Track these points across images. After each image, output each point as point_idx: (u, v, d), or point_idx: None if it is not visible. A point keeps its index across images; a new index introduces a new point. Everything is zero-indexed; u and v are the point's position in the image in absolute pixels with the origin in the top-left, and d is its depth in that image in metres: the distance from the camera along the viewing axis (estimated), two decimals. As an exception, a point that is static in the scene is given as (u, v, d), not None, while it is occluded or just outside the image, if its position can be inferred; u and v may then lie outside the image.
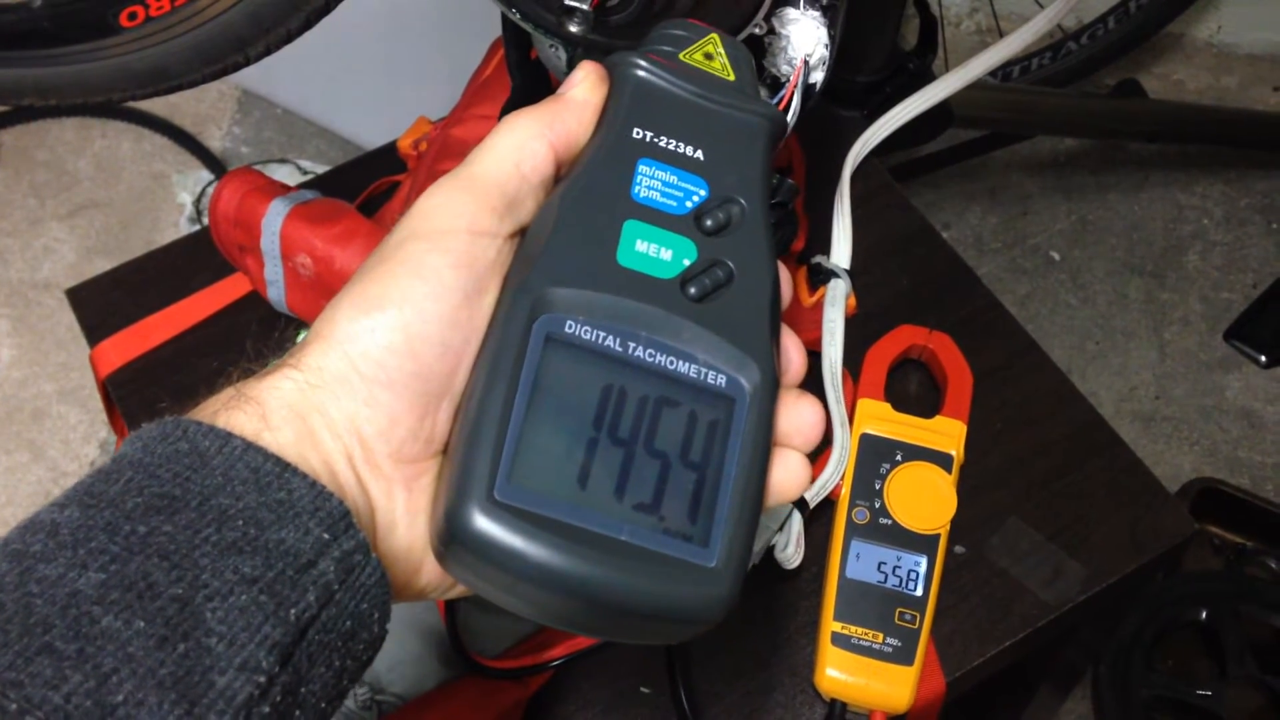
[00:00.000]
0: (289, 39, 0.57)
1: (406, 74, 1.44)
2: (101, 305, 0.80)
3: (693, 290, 0.38)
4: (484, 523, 0.33)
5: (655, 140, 0.40)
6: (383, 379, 0.36)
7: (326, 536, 0.33)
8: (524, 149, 0.39)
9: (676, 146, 0.40)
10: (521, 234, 0.39)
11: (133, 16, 0.58)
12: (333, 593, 0.33)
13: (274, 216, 0.66)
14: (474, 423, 0.35)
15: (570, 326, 0.37)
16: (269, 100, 1.73)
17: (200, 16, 0.57)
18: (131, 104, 1.71)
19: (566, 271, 0.37)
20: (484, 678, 0.64)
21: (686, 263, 0.38)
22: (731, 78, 0.42)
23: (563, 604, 0.35)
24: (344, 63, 1.51)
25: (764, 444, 0.37)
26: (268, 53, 0.58)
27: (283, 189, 0.68)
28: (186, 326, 0.78)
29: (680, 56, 0.42)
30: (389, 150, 0.84)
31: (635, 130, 0.40)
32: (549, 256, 0.37)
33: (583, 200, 0.38)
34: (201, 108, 1.73)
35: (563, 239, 0.37)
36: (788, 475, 0.39)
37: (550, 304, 0.36)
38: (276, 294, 0.70)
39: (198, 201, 1.61)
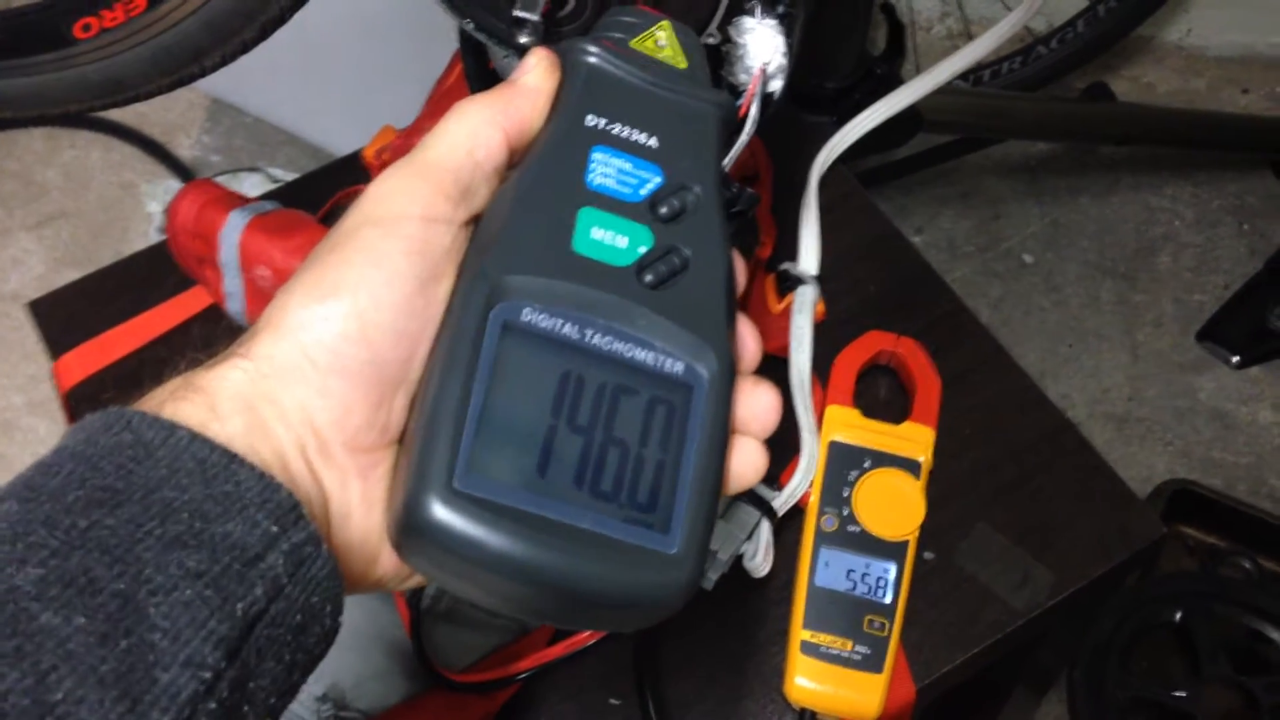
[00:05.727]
0: (245, 49, 0.57)
1: (377, 81, 1.43)
2: (64, 318, 0.80)
3: (649, 277, 0.38)
4: (443, 512, 0.33)
5: (609, 127, 0.40)
6: (336, 367, 0.35)
7: (275, 529, 0.32)
8: (477, 135, 0.38)
9: (630, 134, 0.40)
10: (475, 221, 0.39)
11: (87, 28, 0.57)
12: (281, 586, 0.32)
13: (232, 228, 0.65)
14: (431, 411, 0.35)
15: (527, 314, 0.36)
16: (239, 108, 1.72)
17: (155, 28, 0.56)
18: (98, 114, 1.70)
19: (523, 259, 0.37)
20: (450, 692, 0.63)
21: (642, 250, 0.38)
22: (683, 65, 0.42)
23: (524, 592, 0.34)
24: (314, 70, 1.51)
25: (722, 431, 0.38)
26: (224, 63, 0.58)
27: (241, 200, 0.68)
28: (149, 339, 0.77)
29: (631, 43, 0.42)
30: (355, 159, 0.83)
31: (589, 117, 0.40)
32: (505, 244, 0.37)
33: (537, 188, 0.38)
34: (171, 116, 1.72)
35: (518, 226, 0.37)
36: (745, 462, 0.39)
37: (507, 291, 0.36)
38: (236, 306, 0.69)
39: (168, 211, 1.60)
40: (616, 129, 0.40)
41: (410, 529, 0.34)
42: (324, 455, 0.36)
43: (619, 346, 0.37)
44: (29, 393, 1.53)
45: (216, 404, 0.34)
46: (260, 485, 0.33)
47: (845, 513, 0.67)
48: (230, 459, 0.33)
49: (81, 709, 0.28)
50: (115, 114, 1.70)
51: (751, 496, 0.66)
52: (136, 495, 0.31)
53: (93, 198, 1.68)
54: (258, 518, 0.32)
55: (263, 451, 0.34)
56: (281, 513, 0.33)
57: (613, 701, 0.66)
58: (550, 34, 0.45)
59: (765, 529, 0.66)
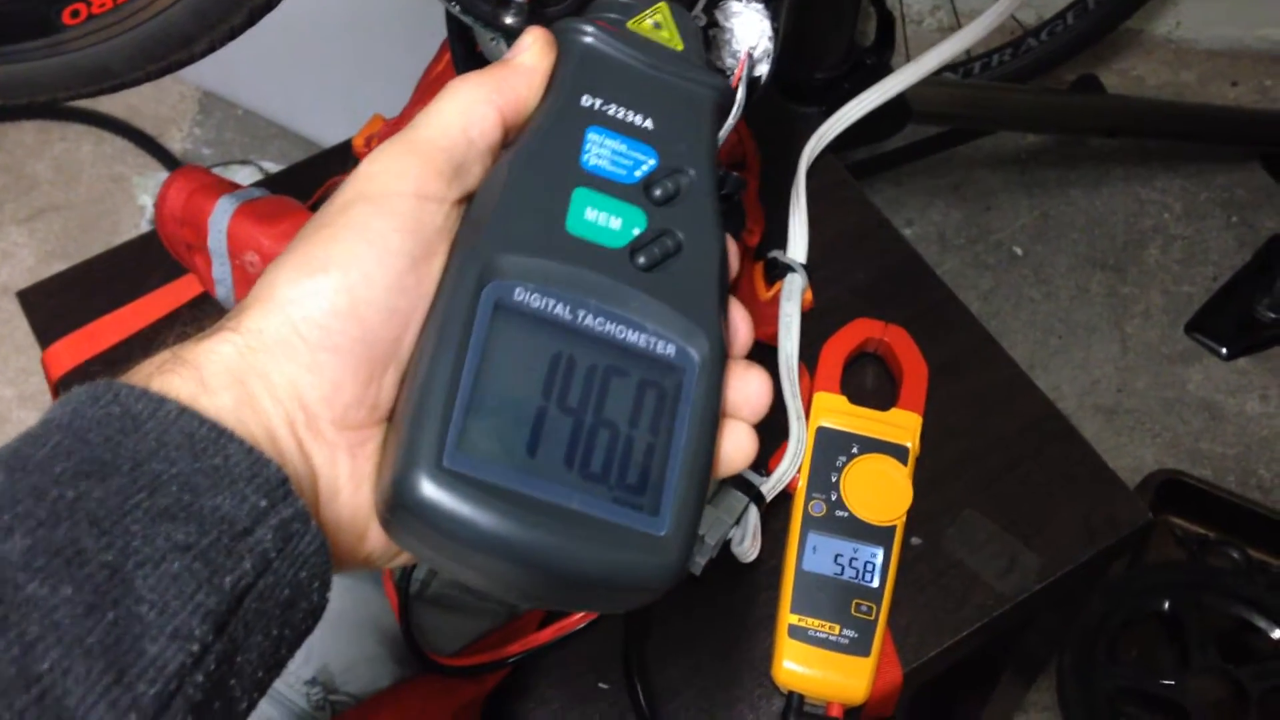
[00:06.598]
0: (233, 35, 0.57)
1: (367, 73, 1.43)
2: (53, 307, 0.80)
3: (642, 259, 0.38)
4: (432, 490, 0.33)
5: (604, 108, 0.40)
6: (326, 343, 0.35)
7: (264, 504, 0.32)
8: (471, 114, 0.38)
9: (626, 115, 0.40)
10: (468, 200, 0.38)
11: (75, 14, 0.57)
12: (270, 561, 0.32)
13: (220, 214, 0.65)
14: (422, 389, 0.35)
15: (519, 294, 0.36)
16: (230, 101, 1.72)
17: (143, 14, 0.56)
18: (92, 106, 1.70)
19: (516, 238, 0.37)
20: (440, 676, 0.63)
21: (636, 232, 0.38)
22: (680, 47, 0.42)
23: (511, 572, 0.34)
24: (305, 63, 1.51)
25: (713, 414, 0.38)
26: (212, 49, 0.58)
27: (230, 186, 0.68)
28: (139, 328, 0.77)
29: (628, 25, 0.42)
30: (345, 149, 0.83)
31: (584, 98, 0.40)
32: (498, 223, 0.37)
33: (531, 167, 0.38)
34: (162, 109, 1.72)
35: (511, 206, 0.37)
36: (736, 446, 0.39)
37: (499, 271, 0.36)
38: (225, 293, 0.69)
39: (156, 198, 1.60)
40: (612, 110, 0.40)
41: (398, 506, 0.34)
42: (313, 431, 0.35)
43: (610, 328, 0.37)
44: (20, 385, 1.53)
45: (205, 378, 0.34)
46: (249, 460, 0.32)
47: (833, 498, 0.68)
48: (219, 433, 0.33)
49: (68, 679, 0.28)
50: (106, 106, 1.70)
51: (740, 482, 0.66)
52: (124, 467, 0.31)
53: (84, 190, 1.67)
54: (246, 492, 0.32)
55: (251, 426, 0.34)
56: (270, 488, 0.32)
57: (601, 686, 0.66)
58: (535, 16, 0.45)
59: (753, 514, 0.67)
